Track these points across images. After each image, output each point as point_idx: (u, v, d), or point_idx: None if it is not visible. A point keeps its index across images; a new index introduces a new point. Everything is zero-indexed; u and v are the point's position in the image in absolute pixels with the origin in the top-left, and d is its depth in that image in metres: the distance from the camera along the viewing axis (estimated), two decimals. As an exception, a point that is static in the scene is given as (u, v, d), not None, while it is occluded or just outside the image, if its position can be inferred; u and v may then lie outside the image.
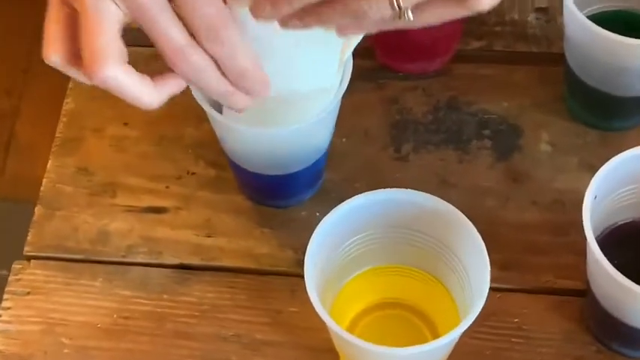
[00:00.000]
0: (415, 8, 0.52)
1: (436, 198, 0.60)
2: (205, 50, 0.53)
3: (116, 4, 0.52)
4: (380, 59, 0.78)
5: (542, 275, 0.68)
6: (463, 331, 0.56)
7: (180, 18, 0.52)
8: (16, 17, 1.62)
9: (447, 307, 0.64)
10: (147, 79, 0.54)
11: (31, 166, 1.42)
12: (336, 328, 0.56)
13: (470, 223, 0.60)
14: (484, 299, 0.57)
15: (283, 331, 0.67)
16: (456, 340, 0.59)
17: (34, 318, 0.68)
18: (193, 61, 0.53)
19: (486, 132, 0.75)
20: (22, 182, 1.48)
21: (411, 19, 0.52)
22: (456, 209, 0.60)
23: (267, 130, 0.63)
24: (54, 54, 0.54)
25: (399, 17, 0.52)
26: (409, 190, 0.61)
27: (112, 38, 0.52)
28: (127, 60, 0.53)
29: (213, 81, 0.54)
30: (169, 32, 0.52)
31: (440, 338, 0.56)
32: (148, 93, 0.54)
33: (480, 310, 0.56)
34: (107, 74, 0.52)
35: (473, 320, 0.56)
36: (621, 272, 0.57)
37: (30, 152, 1.52)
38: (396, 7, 0.51)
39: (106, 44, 0.52)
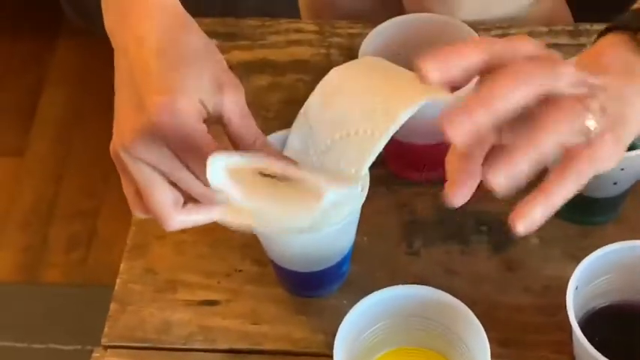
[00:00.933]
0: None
1: (441, 292, 0.60)
2: None
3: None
4: (391, 168, 0.78)
5: (537, 351, 0.67)
6: None
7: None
8: (98, 132, 1.64)
9: None
10: (201, 210, 0.55)
11: (109, 256, 1.43)
12: None
13: (470, 311, 0.59)
14: None
15: (318, 404, 0.67)
16: None
17: (110, 399, 0.68)
18: None
19: (483, 228, 0.74)
20: (102, 270, 1.49)
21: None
22: (459, 300, 0.60)
23: (298, 235, 0.63)
24: (135, 212, 0.56)
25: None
26: (420, 285, 0.61)
27: (162, 196, 0.53)
28: (182, 202, 0.54)
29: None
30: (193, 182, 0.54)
31: None
32: (209, 217, 0.56)
33: None
34: (173, 227, 0.55)
35: None
36: (600, 350, 0.56)
37: (108, 245, 1.53)
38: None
39: (160, 204, 0.53)
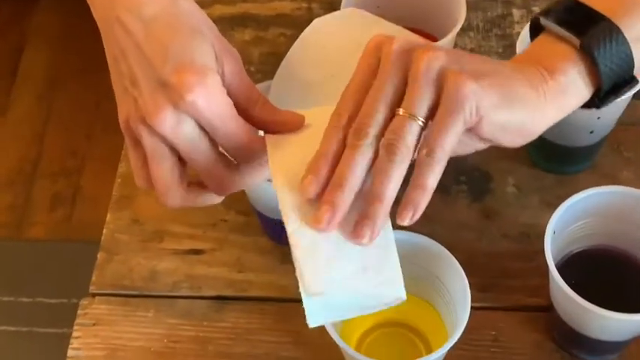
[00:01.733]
0: (426, 137, 0.49)
1: (425, 237, 0.61)
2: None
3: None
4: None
5: (514, 295, 0.68)
6: (452, 345, 0.56)
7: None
8: (79, 92, 1.63)
9: (436, 325, 0.64)
10: (206, 194, 0.56)
11: (93, 213, 1.43)
12: (345, 346, 0.56)
13: (452, 256, 0.60)
14: (467, 318, 0.57)
15: (304, 349, 0.67)
16: (445, 353, 0.59)
17: (99, 345, 0.68)
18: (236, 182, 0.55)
19: (462, 178, 0.75)
20: (86, 227, 1.49)
21: (433, 150, 0.49)
22: (442, 246, 0.61)
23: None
24: (139, 183, 0.55)
25: (422, 149, 0.49)
26: (404, 231, 0.61)
27: (169, 173, 0.53)
28: (187, 182, 0.54)
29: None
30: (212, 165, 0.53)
31: (434, 352, 0.56)
32: (211, 200, 0.56)
33: (463, 328, 0.56)
34: (173, 203, 0.54)
35: (458, 338, 0.56)
36: (577, 292, 0.57)
37: (92, 202, 1.52)
38: (420, 123, 0.49)
39: (166, 180, 0.53)
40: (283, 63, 0.66)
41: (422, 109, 0.48)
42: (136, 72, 0.53)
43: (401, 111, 0.49)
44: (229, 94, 0.54)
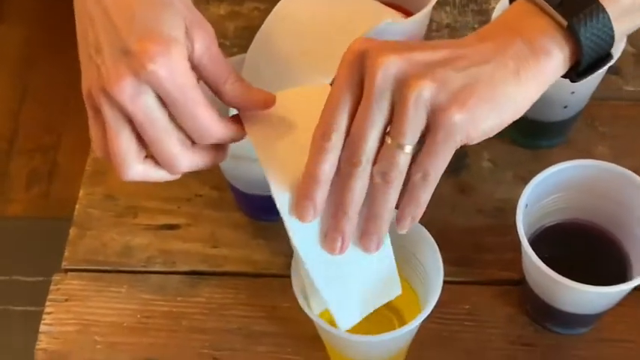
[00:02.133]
0: (418, 160, 0.50)
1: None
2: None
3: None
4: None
5: (488, 269, 0.68)
6: (424, 318, 0.56)
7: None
8: (53, 66, 1.62)
9: (410, 299, 0.63)
10: (161, 171, 0.54)
11: (70, 190, 1.41)
12: (316, 318, 0.56)
13: (426, 231, 0.60)
14: (439, 292, 0.57)
15: (278, 323, 0.67)
16: (419, 326, 0.59)
17: (71, 320, 0.68)
18: (187, 161, 0.53)
19: (438, 153, 0.75)
20: (63, 203, 1.47)
21: (426, 171, 0.50)
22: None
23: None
24: (98, 154, 0.54)
25: (416, 174, 0.50)
26: None
27: (127, 144, 0.52)
28: (144, 155, 0.53)
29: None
30: (165, 140, 0.52)
31: (405, 325, 0.56)
32: (168, 176, 0.55)
33: (435, 301, 0.56)
34: (130, 176, 0.53)
35: (431, 310, 0.56)
36: (549, 265, 0.57)
37: (69, 179, 1.51)
38: (408, 152, 0.50)
39: (123, 152, 0.52)
40: (257, 36, 0.65)
41: (411, 139, 0.49)
42: (102, 40, 0.52)
43: (390, 140, 0.49)
44: (199, 69, 0.53)
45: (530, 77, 0.50)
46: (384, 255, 0.55)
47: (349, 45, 0.51)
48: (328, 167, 0.51)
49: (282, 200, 0.53)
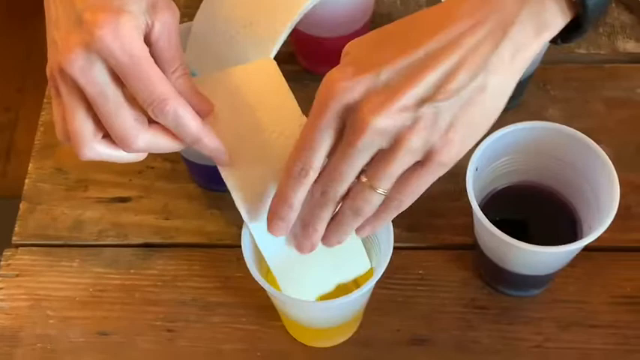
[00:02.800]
0: (397, 188, 0.50)
1: None
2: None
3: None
4: (302, 64, 0.78)
5: (441, 234, 0.69)
6: (374, 283, 0.56)
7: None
8: (9, 42, 1.59)
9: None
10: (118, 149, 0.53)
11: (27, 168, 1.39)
12: (267, 285, 0.55)
13: None
14: (388, 259, 0.56)
15: (232, 294, 0.67)
16: (371, 290, 0.59)
17: (23, 296, 0.67)
18: (143, 139, 0.52)
19: (391, 120, 0.74)
20: (21, 182, 1.45)
21: (402, 200, 0.50)
22: None
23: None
24: (59, 136, 0.53)
25: (392, 200, 0.50)
26: None
27: (83, 122, 0.51)
28: (102, 134, 0.52)
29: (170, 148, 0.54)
30: (118, 114, 0.51)
31: (355, 291, 0.56)
32: (129, 156, 0.53)
33: (385, 267, 0.56)
34: (88, 155, 0.52)
35: (381, 275, 0.56)
36: (500, 228, 0.57)
37: (27, 157, 1.48)
38: (382, 194, 0.50)
39: (79, 130, 0.51)
40: (202, 5, 0.64)
41: (387, 184, 0.49)
42: (60, 14, 0.51)
43: (364, 179, 0.50)
44: (152, 49, 0.52)
45: (522, 66, 0.48)
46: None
47: (327, 80, 0.49)
48: (302, 195, 0.52)
49: (237, 195, 0.56)
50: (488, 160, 0.61)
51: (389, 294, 0.66)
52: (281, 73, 0.58)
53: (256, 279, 0.56)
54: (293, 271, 0.58)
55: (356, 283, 0.64)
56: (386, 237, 0.58)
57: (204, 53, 0.64)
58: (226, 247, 0.69)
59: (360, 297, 0.57)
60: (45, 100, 0.77)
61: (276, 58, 0.62)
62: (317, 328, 0.63)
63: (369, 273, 0.62)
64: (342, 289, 0.64)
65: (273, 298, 0.59)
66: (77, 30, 0.49)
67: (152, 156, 0.73)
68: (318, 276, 0.59)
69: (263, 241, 0.57)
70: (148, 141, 0.52)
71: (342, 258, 0.59)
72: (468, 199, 0.59)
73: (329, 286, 0.60)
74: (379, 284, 0.66)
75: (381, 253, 0.58)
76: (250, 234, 0.57)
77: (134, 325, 0.65)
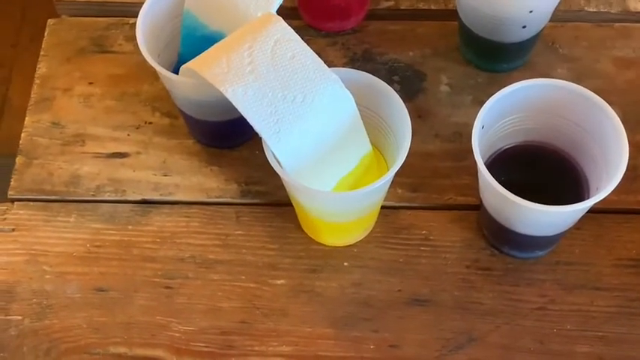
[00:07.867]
0: None
1: (370, 75, 0.61)
2: None
3: None
4: (305, 20, 0.77)
5: (445, 194, 0.68)
6: (392, 174, 0.57)
7: None
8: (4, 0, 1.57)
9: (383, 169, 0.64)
10: None
11: (22, 125, 1.38)
12: (287, 175, 0.56)
13: (393, 90, 0.60)
14: (408, 147, 0.57)
15: (231, 251, 0.67)
16: (389, 183, 0.59)
17: (19, 251, 0.67)
18: None
19: (395, 77, 0.74)
20: (16, 139, 1.44)
21: None
22: (382, 81, 0.61)
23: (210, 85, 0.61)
24: None
25: None
26: (352, 69, 0.61)
27: None
28: None
29: None
30: None
31: (377, 180, 0.57)
32: None
33: (402, 162, 0.57)
34: None
35: (399, 167, 0.57)
36: (506, 188, 0.56)
37: (21, 113, 1.47)
38: None
39: None
40: None
41: None
42: None
43: None
44: None
45: None
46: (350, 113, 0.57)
47: None
48: None
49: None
50: (494, 119, 0.61)
51: (391, 254, 0.66)
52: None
53: (275, 169, 0.57)
54: (312, 171, 0.58)
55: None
56: (403, 130, 0.58)
57: (203, 7, 0.63)
58: (226, 205, 0.69)
59: (376, 189, 0.57)
60: (42, 53, 0.76)
61: (278, 12, 0.61)
62: (335, 222, 0.63)
63: (372, 162, 0.63)
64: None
65: (290, 189, 0.60)
66: None
67: (150, 111, 0.73)
68: (333, 168, 0.60)
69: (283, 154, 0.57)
70: None
71: (348, 140, 0.59)
72: (473, 159, 0.58)
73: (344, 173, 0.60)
74: (382, 244, 0.66)
75: (397, 148, 0.59)
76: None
77: (132, 282, 0.65)
